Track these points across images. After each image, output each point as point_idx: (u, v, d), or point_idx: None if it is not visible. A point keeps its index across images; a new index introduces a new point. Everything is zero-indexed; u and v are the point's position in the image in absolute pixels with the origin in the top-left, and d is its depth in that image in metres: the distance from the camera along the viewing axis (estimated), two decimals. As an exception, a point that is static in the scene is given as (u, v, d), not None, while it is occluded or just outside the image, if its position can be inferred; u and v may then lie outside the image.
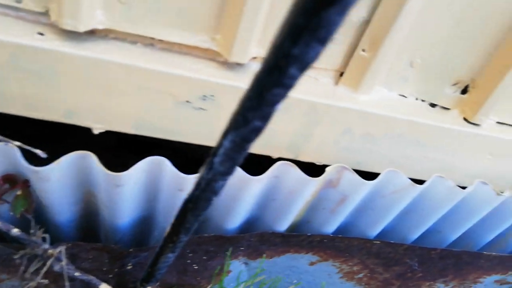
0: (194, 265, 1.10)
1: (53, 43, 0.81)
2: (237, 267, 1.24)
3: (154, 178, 0.99)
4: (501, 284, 1.81)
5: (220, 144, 0.44)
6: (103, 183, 0.94)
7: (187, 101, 0.95)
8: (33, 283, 0.77)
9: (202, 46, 0.91)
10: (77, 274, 0.79)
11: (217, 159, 0.46)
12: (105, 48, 0.85)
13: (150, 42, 0.89)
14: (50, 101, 0.89)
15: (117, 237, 1.11)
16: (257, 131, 0.39)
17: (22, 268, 0.78)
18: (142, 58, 0.87)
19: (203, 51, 0.92)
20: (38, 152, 0.80)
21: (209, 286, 1.16)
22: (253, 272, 1.30)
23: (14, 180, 0.90)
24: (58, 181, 0.93)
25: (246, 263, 1.24)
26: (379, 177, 1.07)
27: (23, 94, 0.87)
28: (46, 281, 0.79)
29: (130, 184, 0.94)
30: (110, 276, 1.02)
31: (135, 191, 0.98)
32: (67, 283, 0.75)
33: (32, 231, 0.79)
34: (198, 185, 0.52)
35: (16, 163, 0.88)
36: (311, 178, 1.00)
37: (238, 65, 0.94)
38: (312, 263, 1.38)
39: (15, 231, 0.77)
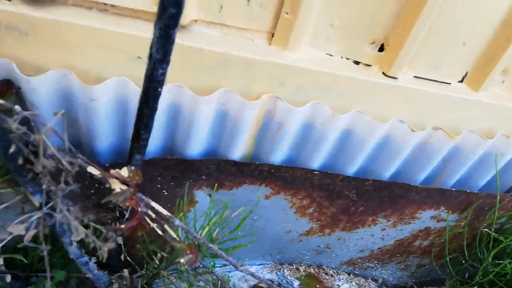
0: (164, 191, 1.32)
1: (19, 7, 1.01)
2: (202, 198, 1.47)
3: (123, 99, 1.16)
4: (437, 221, 2.05)
5: (153, 36, 0.68)
6: (81, 98, 1.11)
7: (139, 57, 1.15)
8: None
9: (149, 10, 1.12)
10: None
11: (153, 49, 0.69)
12: (65, 12, 1.05)
13: (104, 8, 1.11)
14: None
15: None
16: (174, 18, 0.64)
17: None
18: (97, 20, 1.07)
19: (151, 14, 1.12)
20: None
21: (180, 215, 1.38)
22: (216, 206, 1.52)
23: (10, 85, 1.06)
24: (46, 95, 1.09)
25: (209, 195, 1.47)
26: (306, 106, 1.32)
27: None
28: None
29: (104, 101, 1.12)
30: (92, 191, 1.23)
31: (109, 110, 1.16)
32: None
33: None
34: (145, 77, 0.76)
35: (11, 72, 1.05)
36: (250, 101, 1.24)
37: (183, 27, 1.16)
38: (267, 197, 1.62)
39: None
